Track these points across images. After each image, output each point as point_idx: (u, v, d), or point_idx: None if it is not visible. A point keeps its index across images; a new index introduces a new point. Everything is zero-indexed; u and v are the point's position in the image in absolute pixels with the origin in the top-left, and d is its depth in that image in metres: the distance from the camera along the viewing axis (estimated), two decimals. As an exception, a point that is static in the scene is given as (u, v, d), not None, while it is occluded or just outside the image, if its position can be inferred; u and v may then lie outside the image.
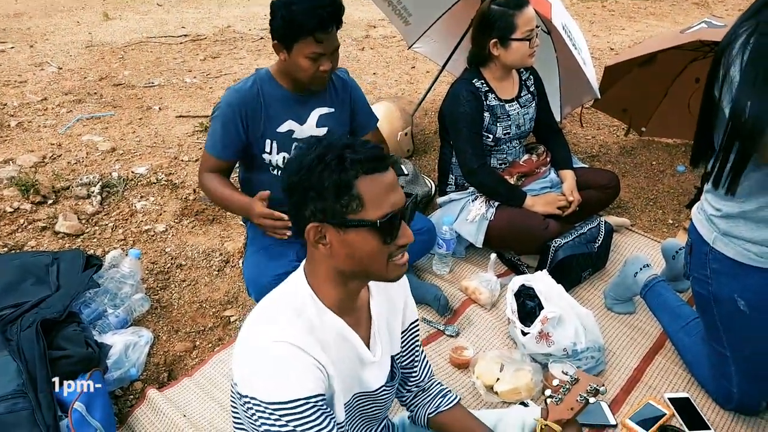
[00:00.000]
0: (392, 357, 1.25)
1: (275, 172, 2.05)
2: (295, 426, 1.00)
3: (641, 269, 2.24)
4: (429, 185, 2.97)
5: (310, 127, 2.03)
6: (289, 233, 1.97)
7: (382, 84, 4.58)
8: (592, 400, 1.49)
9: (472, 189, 2.52)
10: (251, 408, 1.02)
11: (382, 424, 1.36)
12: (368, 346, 1.18)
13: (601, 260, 2.47)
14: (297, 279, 1.12)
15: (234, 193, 2.01)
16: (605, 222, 2.45)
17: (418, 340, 1.35)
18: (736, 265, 1.63)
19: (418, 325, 1.34)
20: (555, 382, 1.57)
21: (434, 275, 2.49)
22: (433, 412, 1.38)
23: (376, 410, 1.26)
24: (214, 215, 2.82)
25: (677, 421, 1.82)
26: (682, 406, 1.87)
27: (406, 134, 3.31)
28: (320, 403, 1.03)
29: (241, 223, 2.66)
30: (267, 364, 1.01)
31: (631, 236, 2.73)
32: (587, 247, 2.35)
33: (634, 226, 2.81)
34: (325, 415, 1.03)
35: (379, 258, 1.05)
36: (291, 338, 1.02)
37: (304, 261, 1.14)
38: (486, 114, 2.41)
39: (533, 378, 1.87)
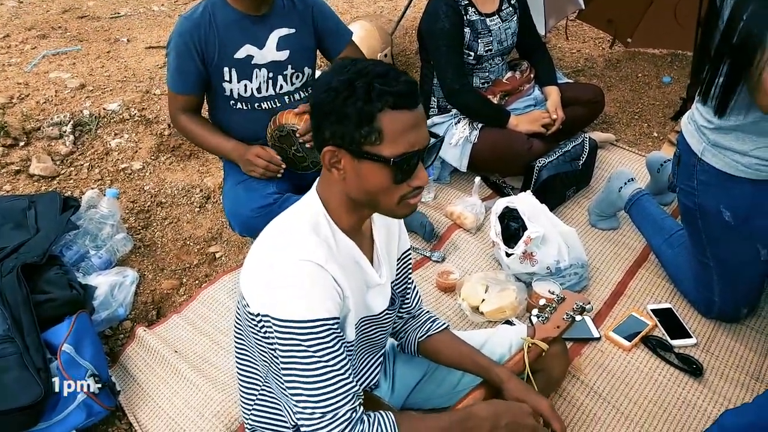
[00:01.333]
0: (390, 283, 1.27)
1: (238, 105, 1.96)
2: (308, 345, 1.01)
3: (626, 183, 2.23)
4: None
5: (270, 51, 1.90)
6: (280, 174, 1.94)
7: (358, 1, 4.39)
8: (578, 318, 1.51)
9: (454, 111, 2.46)
10: (266, 326, 1.04)
11: (382, 352, 1.38)
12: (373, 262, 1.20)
13: (585, 178, 2.46)
14: (310, 200, 1.12)
15: (216, 135, 1.96)
16: (589, 138, 2.42)
17: (410, 269, 1.37)
18: (723, 177, 1.62)
19: (410, 253, 1.36)
20: (541, 302, 1.59)
21: (419, 202, 2.47)
22: (423, 335, 1.40)
23: (379, 335, 1.29)
24: (191, 150, 2.75)
25: (660, 332, 1.87)
26: (665, 316, 1.91)
27: (385, 56, 3.20)
28: (335, 326, 1.04)
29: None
30: (293, 283, 1.02)
31: (615, 151, 2.70)
32: (571, 165, 2.32)
33: (619, 141, 2.79)
34: (338, 338, 1.05)
35: (390, 194, 1.04)
36: (315, 257, 1.03)
37: (316, 182, 1.14)
38: (466, 30, 2.31)
39: (517, 297, 1.90)
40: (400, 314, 1.40)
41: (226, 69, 1.88)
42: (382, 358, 1.39)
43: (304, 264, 1.02)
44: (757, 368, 1.77)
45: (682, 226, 2.08)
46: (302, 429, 1.05)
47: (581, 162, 2.36)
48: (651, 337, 1.84)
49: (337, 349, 1.03)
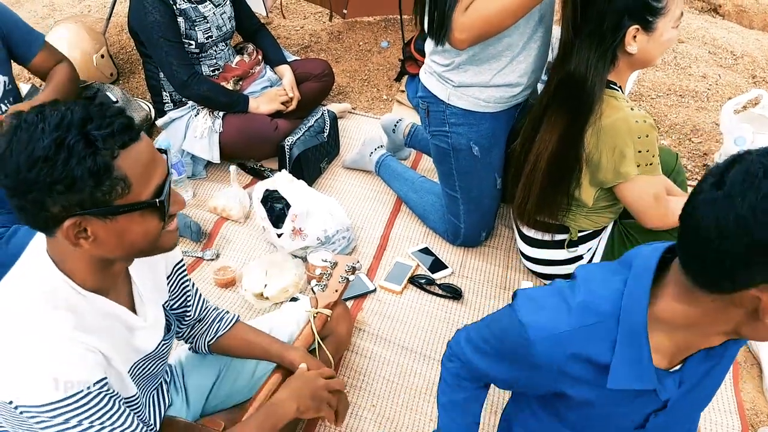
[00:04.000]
0: (163, 306, 1.19)
1: None
2: (83, 420, 0.92)
3: (375, 149, 2.47)
4: (146, 109, 2.75)
5: None
6: None
7: (60, 3, 3.95)
8: (351, 277, 1.64)
9: (191, 103, 2.40)
10: (27, 414, 0.90)
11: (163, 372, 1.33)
12: (134, 310, 1.09)
13: (333, 148, 2.61)
14: (40, 266, 0.96)
15: None
16: (328, 111, 2.57)
17: (186, 279, 1.29)
18: (470, 115, 1.87)
19: (183, 264, 1.27)
20: (317, 272, 1.69)
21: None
22: (212, 338, 1.38)
23: (159, 366, 1.22)
24: None
25: (422, 269, 2.11)
26: (424, 255, 2.16)
27: (102, 56, 2.96)
28: (104, 388, 0.95)
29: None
30: (33, 364, 0.89)
31: (354, 119, 2.91)
32: (318, 138, 2.45)
33: (356, 109, 2.99)
34: (112, 398, 0.96)
35: (153, 236, 0.95)
36: (56, 332, 0.91)
37: (34, 242, 0.99)
38: (180, 19, 2.26)
39: (297, 273, 1.98)
40: (186, 323, 1.36)
41: None
42: (166, 377, 1.33)
43: (40, 341, 0.90)
44: (503, 279, 2.11)
45: (421, 175, 2.37)
46: None
47: (326, 134, 2.50)
48: (416, 276, 2.07)
49: (116, 409, 0.97)
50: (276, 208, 2.08)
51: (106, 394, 0.95)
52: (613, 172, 1.63)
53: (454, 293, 2.01)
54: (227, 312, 1.43)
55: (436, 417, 1.66)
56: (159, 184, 0.93)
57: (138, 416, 1.13)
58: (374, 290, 2.02)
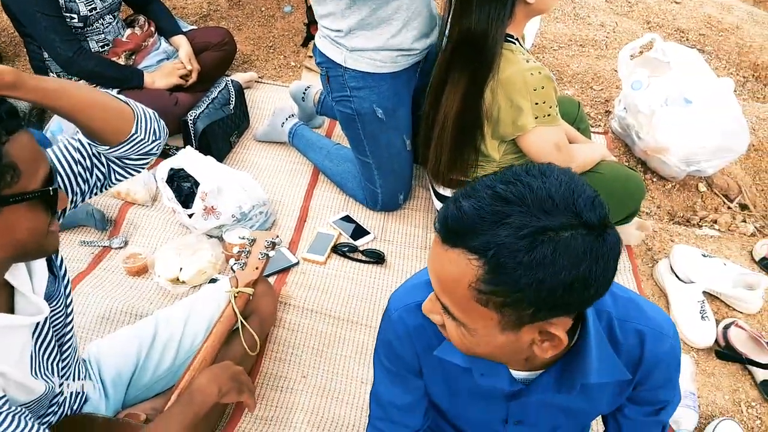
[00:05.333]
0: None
1: None
2: None
3: (287, 119, 2.40)
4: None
5: None
6: None
7: None
8: (271, 253, 1.60)
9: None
10: None
11: (76, 362, 1.25)
12: (13, 309, 1.00)
13: (242, 120, 2.52)
14: None
15: None
16: (232, 81, 2.46)
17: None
18: (369, 77, 1.82)
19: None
20: (235, 250, 1.63)
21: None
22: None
23: (60, 327, 1.14)
24: None
25: (345, 238, 2.09)
26: (345, 223, 2.14)
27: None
28: (4, 407, 0.89)
29: None
30: None
31: (262, 88, 2.81)
32: (223, 110, 2.34)
33: (263, 77, 2.89)
34: (15, 415, 0.91)
35: (40, 233, 0.89)
36: None
37: None
38: None
39: (213, 253, 1.91)
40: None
41: None
42: (77, 370, 1.26)
43: None
44: (423, 240, 2.12)
45: (336, 143, 2.32)
46: None
47: (232, 106, 2.40)
48: (339, 245, 2.05)
49: (22, 426, 0.92)
50: (184, 188, 1.98)
51: (6, 414, 0.90)
52: (511, 126, 1.66)
53: (377, 258, 2.01)
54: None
55: (367, 379, 1.68)
56: (46, 174, 0.88)
57: (52, 411, 1.06)
58: (297, 263, 1.99)
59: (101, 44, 2.26)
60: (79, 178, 1.10)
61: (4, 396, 0.91)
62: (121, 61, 2.28)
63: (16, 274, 0.99)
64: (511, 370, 0.92)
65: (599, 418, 1.13)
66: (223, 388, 1.22)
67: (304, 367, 1.70)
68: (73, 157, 1.10)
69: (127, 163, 1.16)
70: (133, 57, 2.34)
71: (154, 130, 1.15)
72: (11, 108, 0.84)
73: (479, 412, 1.02)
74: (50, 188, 0.87)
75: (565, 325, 0.78)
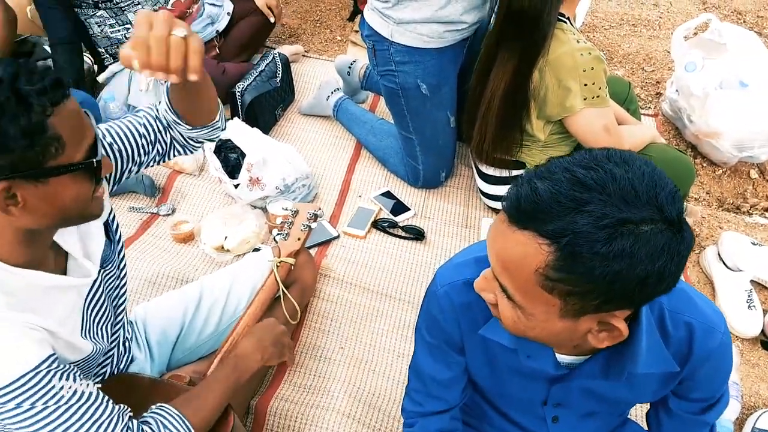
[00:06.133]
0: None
1: None
2: (35, 401, 0.89)
3: (332, 93, 2.41)
4: (88, 62, 2.61)
5: None
6: None
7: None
8: (313, 225, 1.62)
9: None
10: None
11: (120, 324, 1.30)
12: (65, 271, 1.05)
13: (288, 94, 2.54)
14: None
15: None
16: (279, 54, 2.48)
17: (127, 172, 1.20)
18: (414, 52, 1.82)
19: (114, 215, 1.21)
20: (278, 221, 1.66)
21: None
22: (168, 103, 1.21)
23: (118, 299, 1.20)
24: None
25: (385, 213, 2.10)
26: (386, 199, 2.15)
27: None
28: (54, 365, 0.92)
29: None
30: None
31: (308, 62, 2.82)
32: (270, 83, 2.37)
33: (309, 52, 2.90)
34: (64, 373, 0.94)
35: (85, 200, 0.91)
36: None
37: None
38: None
39: (257, 223, 1.95)
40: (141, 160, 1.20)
41: None
42: (124, 332, 1.30)
43: None
44: (464, 218, 2.12)
45: (379, 118, 2.33)
46: None
47: (278, 79, 2.42)
48: (379, 220, 2.06)
49: (69, 386, 0.94)
50: (231, 158, 2.02)
51: (56, 372, 0.92)
52: (559, 107, 1.63)
53: (417, 234, 2.02)
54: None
55: (404, 353, 1.70)
56: (90, 144, 0.90)
57: (101, 370, 1.11)
58: (338, 237, 2.01)
59: None
60: (141, 150, 1.15)
61: (54, 354, 0.95)
62: None
63: (67, 239, 1.03)
64: (556, 354, 0.92)
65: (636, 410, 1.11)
66: (265, 355, 1.26)
67: (342, 339, 1.74)
68: (138, 131, 1.14)
69: (190, 143, 1.22)
70: (181, 25, 2.36)
71: (224, 119, 1.25)
72: (56, 79, 0.84)
73: (519, 391, 1.02)
74: (93, 160, 0.89)
75: (624, 317, 0.77)
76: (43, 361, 0.91)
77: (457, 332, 0.98)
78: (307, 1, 3.26)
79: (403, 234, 2.03)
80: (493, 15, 1.72)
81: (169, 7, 2.35)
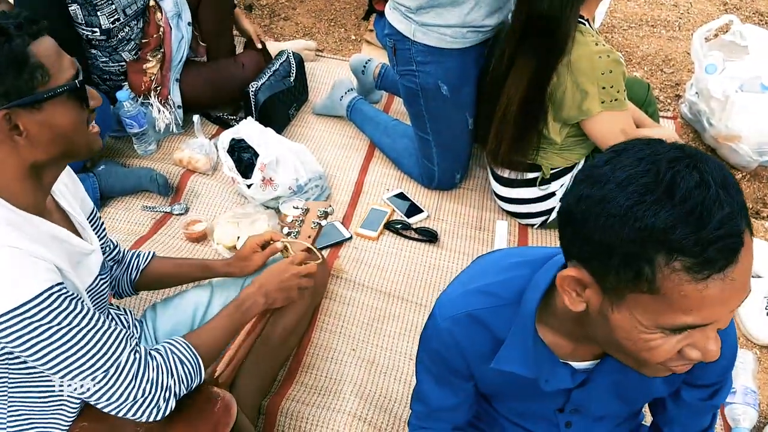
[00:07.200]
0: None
1: None
2: (51, 324, 0.92)
3: (346, 93, 2.39)
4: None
5: None
6: None
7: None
8: (323, 222, 1.61)
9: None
10: None
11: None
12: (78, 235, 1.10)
13: (302, 93, 2.53)
14: None
15: None
16: (293, 53, 2.48)
17: (100, 223, 1.28)
18: (436, 52, 1.79)
19: (96, 212, 1.27)
20: (289, 219, 1.66)
21: (141, 158, 2.30)
22: (136, 274, 1.39)
23: (104, 295, 1.21)
24: None
25: (398, 215, 2.09)
26: (399, 200, 2.14)
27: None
28: (63, 291, 0.94)
29: None
30: None
31: (322, 62, 2.81)
32: (284, 83, 2.37)
33: (324, 51, 2.90)
34: (74, 299, 0.96)
35: (81, 127, 0.98)
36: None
37: None
38: (73, 7, 1.98)
39: (270, 224, 1.94)
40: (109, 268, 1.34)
41: None
42: (135, 331, 1.33)
43: None
44: (478, 220, 2.10)
45: (393, 118, 2.32)
46: (100, 406, 1.01)
47: (292, 78, 2.41)
48: (392, 221, 2.05)
49: (80, 309, 0.96)
50: (244, 158, 2.02)
51: (66, 296, 0.95)
52: (576, 109, 1.61)
53: (430, 236, 2.00)
54: (141, 252, 1.43)
55: (415, 356, 1.68)
56: (74, 72, 0.96)
57: None
58: (350, 238, 2.00)
59: (133, 52, 2.19)
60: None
61: (62, 283, 0.96)
62: (153, 64, 2.21)
63: (69, 211, 1.11)
64: (572, 363, 0.90)
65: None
66: (269, 299, 1.28)
67: (354, 341, 1.73)
68: (114, 247, 1.36)
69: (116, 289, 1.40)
70: (162, 50, 2.22)
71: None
72: (30, 16, 0.92)
73: (535, 405, 1.00)
74: (76, 81, 0.96)
75: None
76: (54, 286, 0.93)
77: (463, 364, 0.95)
78: (323, 1, 3.25)
79: (416, 236, 2.01)
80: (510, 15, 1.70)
81: (144, 41, 2.20)
